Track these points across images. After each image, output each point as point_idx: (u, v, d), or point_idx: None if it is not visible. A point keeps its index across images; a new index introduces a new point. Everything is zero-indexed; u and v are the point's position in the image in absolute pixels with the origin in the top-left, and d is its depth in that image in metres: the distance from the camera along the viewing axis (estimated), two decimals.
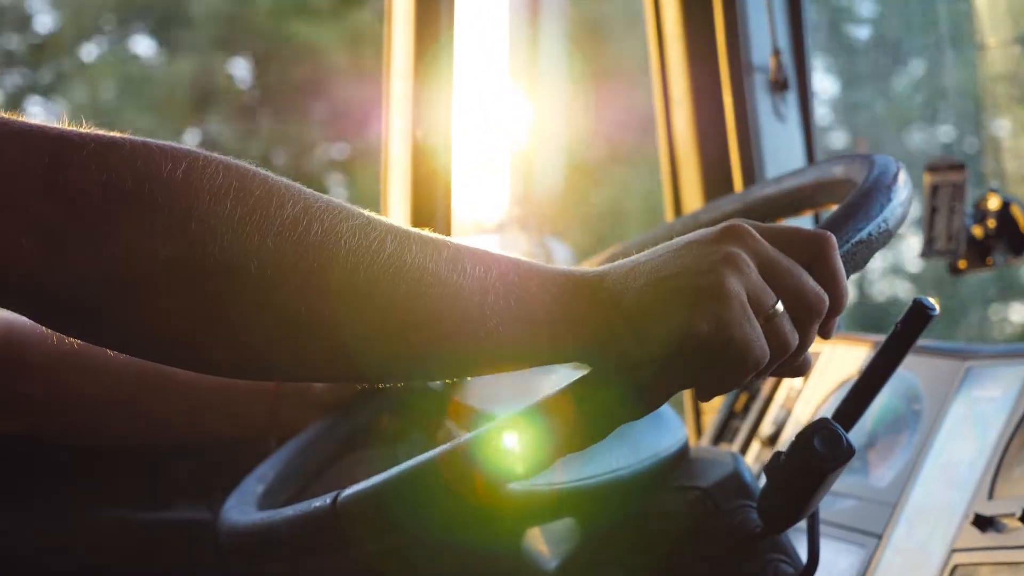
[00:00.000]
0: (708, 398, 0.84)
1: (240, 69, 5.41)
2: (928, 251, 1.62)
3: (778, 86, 1.77)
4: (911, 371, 1.32)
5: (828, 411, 1.42)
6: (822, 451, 0.89)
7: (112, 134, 0.75)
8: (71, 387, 1.33)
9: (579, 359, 0.84)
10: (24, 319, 0.77)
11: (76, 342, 0.79)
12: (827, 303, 0.84)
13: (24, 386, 1.33)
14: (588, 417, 0.83)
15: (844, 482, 1.30)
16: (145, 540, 1.45)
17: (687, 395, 1.74)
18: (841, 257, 0.85)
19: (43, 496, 1.43)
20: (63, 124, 0.75)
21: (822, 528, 1.27)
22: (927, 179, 1.62)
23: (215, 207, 0.74)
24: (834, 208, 1.21)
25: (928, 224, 1.62)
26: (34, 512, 1.42)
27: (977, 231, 1.62)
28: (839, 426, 0.90)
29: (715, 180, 1.78)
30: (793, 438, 0.91)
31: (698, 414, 1.74)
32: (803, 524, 1.01)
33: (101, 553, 1.43)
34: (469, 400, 1.25)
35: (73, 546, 1.43)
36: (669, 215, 1.82)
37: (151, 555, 1.45)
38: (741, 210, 1.29)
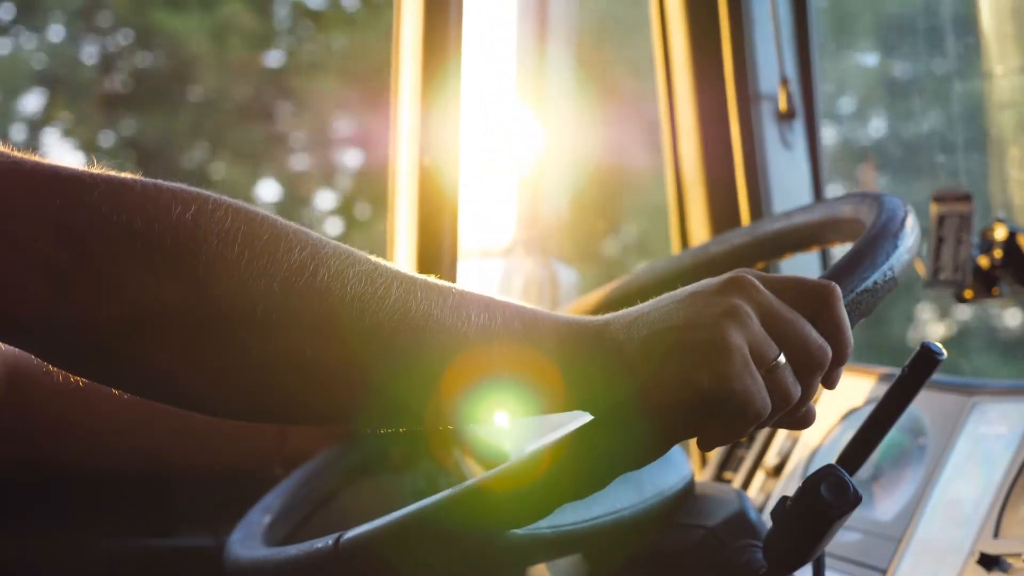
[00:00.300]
0: (710, 448, 0.84)
1: (98, 58, 5.28)
2: (933, 281, 1.62)
3: (785, 115, 1.77)
4: (916, 405, 1.32)
5: (833, 442, 1.43)
6: (828, 498, 0.89)
7: (123, 175, 0.76)
8: (76, 417, 1.34)
9: (582, 407, 0.84)
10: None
11: None
12: (830, 355, 0.84)
13: (29, 416, 1.34)
14: (589, 465, 0.83)
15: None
16: (150, 567, 1.46)
17: None
18: (846, 307, 0.85)
19: (48, 524, 1.43)
20: (75, 164, 0.75)
21: (827, 560, 1.28)
22: (934, 209, 1.62)
23: (223, 251, 0.75)
24: (840, 246, 1.22)
25: (934, 254, 1.62)
26: (38, 540, 1.43)
27: (983, 261, 1.62)
28: (845, 472, 0.90)
29: (722, 209, 1.78)
30: (800, 484, 0.91)
31: None
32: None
33: None
34: (475, 430, 1.25)
35: (77, 574, 1.43)
36: (675, 243, 1.82)
37: None
38: (750, 243, 1.30)
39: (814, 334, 0.83)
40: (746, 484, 1.49)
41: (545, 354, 0.82)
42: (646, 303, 0.84)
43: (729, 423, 0.82)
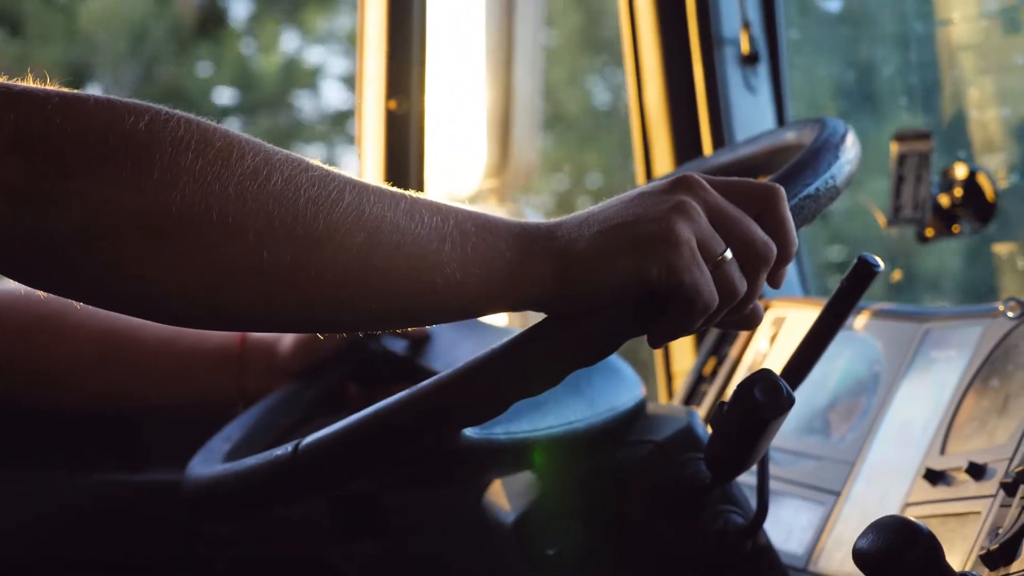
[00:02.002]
0: (659, 344, 0.86)
1: None
2: (894, 219, 1.64)
3: (748, 59, 1.79)
4: (871, 334, 1.34)
5: None
6: (762, 400, 0.91)
7: (75, 91, 0.77)
8: (41, 351, 1.34)
9: (534, 307, 0.86)
10: None
11: (46, 305, 0.81)
12: (775, 252, 0.86)
13: None
14: (542, 363, 0.85)
15: (805, 442, 1.33)
16: (119, 503, 1.47)
17: (659, 360, 1.76)
18: (790, 210, 0.87)
19: (17, 461, 1.44)
20: (28, 82, 0.77)
21: (784, 487, 1.30)
22: (894, 148, 1.64)
23: (177, 157, 0.76)
24: None
25: (895, 192, 1.64)
26: (8, 477, 1.44)
27: (944, 199, 1.64)
28: (779, 377, 0.92)
29: (686, 154, 1.79)
30: (735, 388, 0.93)
31: (670, 378, 1.76)
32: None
33: (74, 515, 1.45)
34: (432, 364, 1.26)
35: (46, 509, 1.45)
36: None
37: (125, 517, 1.46)
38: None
39: (759, 231, 0.85)
40: (708, 417, 1.51)
41: (497, 254, 0.83)
42: (596, 205, 0.86)
43: (678, 316, 0.84)
